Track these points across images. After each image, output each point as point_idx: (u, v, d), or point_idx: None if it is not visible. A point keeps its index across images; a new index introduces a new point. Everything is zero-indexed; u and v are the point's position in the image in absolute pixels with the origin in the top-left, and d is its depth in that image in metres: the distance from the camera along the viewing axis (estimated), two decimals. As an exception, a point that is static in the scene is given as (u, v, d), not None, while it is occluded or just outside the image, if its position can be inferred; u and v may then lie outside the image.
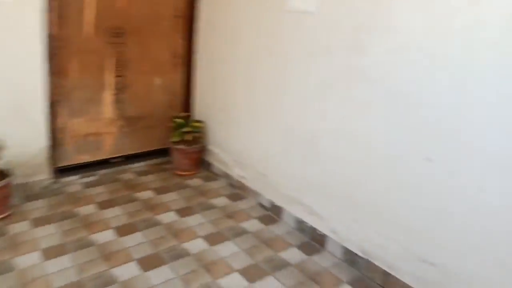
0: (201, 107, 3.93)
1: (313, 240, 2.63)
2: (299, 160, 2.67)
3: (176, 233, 2.74)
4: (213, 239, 2.68)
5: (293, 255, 2.52)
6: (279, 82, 2.76)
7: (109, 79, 3.61)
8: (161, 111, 3.94)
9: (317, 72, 2.45)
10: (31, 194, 3.19)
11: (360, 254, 2.31)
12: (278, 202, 2.89)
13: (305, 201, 2.65)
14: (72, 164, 3.58)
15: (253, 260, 2.46)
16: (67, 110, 3.47)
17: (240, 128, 3.28)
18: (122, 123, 3.76)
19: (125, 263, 2.40)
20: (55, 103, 3.36)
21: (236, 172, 3.39)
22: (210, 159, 3.78)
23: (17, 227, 2.73)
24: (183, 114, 3.82)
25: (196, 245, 2.62)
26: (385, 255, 2.17)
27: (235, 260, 2.46)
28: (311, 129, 2.55)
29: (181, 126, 3.62)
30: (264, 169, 3.02)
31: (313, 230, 2.61)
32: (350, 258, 2.38)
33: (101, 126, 3.68)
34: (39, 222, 2.80)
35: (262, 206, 3.05)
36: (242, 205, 3.13)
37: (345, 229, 2.40)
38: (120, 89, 3.66)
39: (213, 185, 3.49)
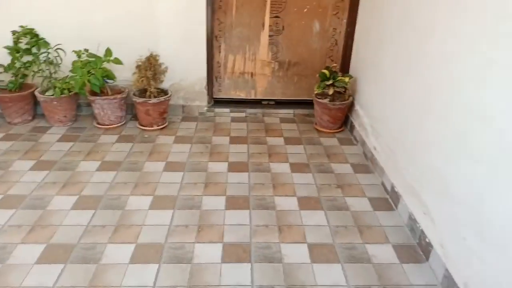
0: (355, 61, 3.67)
1: (419, 246, 2.22)
2: (425, 141, 2.25)
3: (275, 184, 2.79)
4: (303, 202, 2.61)
5: (384, 254, 2.16)
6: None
7: (266, 19, 3.68)
8: (317, 59, 3.88)
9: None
10: (188, 116, 3.86)
11: (460, 286, 1.84)
12: (399, 189, 2.55)
13: (423, 197, 2.23)
14: (227, 98, 4.00)
15: (329, 240, 2.28)
16: (226, 46, 3.72)
17: (383, 90, 2.92)
18: (275, 66, 3.86)
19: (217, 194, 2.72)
20: (215, 38, 3.70)
21: (371, 141, 3.09)
22: (354, 120, 3.58)
23: (162, 139, 3.33)
24: (332, 65, 3.71)
25: (280, 203, 2.59)
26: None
27: (309, 231, 2.36)
28: (444, 101, 2.05)
29: (325, 78, 3.49)
30: (394, 144, 2.67)
31: (422, 234, 2.21)
32: (448, 286, 1.91)
33: (256, 66, 3.87)
34: (179, 140, 3.37)
35: (384, 186, 2.77)
36: (363, 179, 2.89)
37: (454, 248, 1.91)
38: (276, 31, 3.69)
39: (347, 149, 3.36)
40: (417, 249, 2.24)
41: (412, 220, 2.37)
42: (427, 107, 2.27)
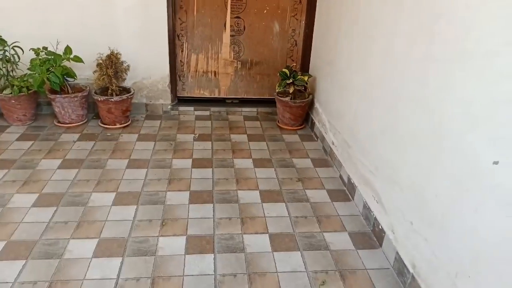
0: (315, 60, 3.82)
1: (373, 233, 2.36)
2: (376, 132, 2.39)
3: (238, 179, 2.87)
4: (266, 195, 2.71)
5: (340, 241, 2.29)
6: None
7: (228, 19, 3.77)
8: (278, 59, 4.02)
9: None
10: (152, 114, 3.90)
11: (409, 267, 1.98)
12: (354, 180, 2.69)
13: (376, 186, 2.37)
14: (191, 97, 4.05)
15: (289, 229, 2.39)
16: (189, 45, 3.82)
17: (339, 88, 3.06)
18: (238, 65, 3.97)
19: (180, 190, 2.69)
20: (178, 37, 3.77)
21: (330, 137, 3.25)
22: (314, 117, 3.73)
23: (125, 137, 3.40)
24: (292, 65, 3.84)
25: (243, 197, 2.68)
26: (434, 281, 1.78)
27: (271, 222, 2.46)
28: (391, 94, 2.21)
29: (285, 77, 3.62)
30: (350, 138, 2.81)
31: (375, 222, 2.35)
32: (399, 268, 2.06)
33: (219, 65, 3.97)
34: (143, 137, 3.41)
35: (341, 179, 2.92)
36: (322, 172, 3.03)
37: (403, 232, 2.05)
38: (237, 31, 3.78)
39: (307, 145, 3.50)
40: (372, 235, 2.39)
41: (366, 209, 2.51)
42: (377, 100, 2.42)
